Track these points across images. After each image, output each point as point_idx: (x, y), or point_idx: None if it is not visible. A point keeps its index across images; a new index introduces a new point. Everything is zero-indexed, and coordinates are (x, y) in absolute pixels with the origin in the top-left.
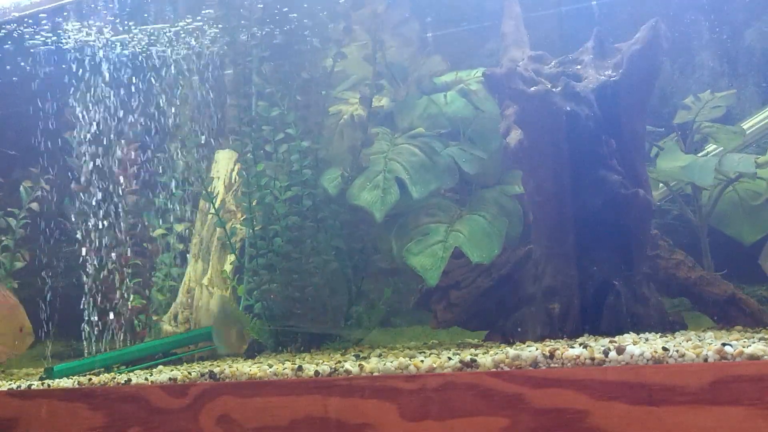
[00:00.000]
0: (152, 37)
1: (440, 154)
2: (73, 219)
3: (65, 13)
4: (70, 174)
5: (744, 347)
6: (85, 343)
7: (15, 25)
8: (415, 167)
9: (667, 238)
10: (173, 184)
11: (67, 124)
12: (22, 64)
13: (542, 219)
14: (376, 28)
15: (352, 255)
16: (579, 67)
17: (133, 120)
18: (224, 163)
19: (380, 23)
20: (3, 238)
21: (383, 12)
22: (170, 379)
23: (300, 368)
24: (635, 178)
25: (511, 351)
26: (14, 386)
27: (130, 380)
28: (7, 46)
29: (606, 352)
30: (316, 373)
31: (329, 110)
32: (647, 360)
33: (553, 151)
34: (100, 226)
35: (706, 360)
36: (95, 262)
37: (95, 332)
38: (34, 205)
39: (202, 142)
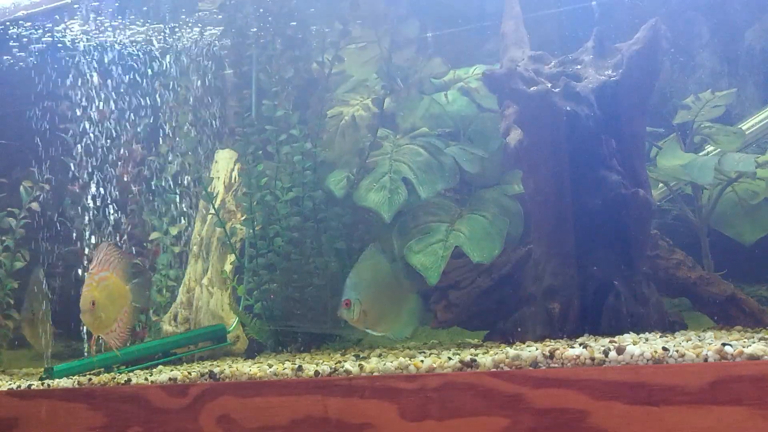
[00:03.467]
0: (152, 37)
1: (445, 154)
2: (74, 218)
3: (57, 16)
4: (69, 173)
5: (744, 347)
6: (85, 343)
7: (16, 25)
8: (421, 167)
9: (667, 238)
10: (172, 184)
11: (65, 123)
12: (21, 63)
13: (542, 219)
14: (380, 25)
15: (352, 255)
16: (579, 67)
17: (133, 119)
18: (224, 163)
19: (383, 20)
20: (3, 238)
21: (381, 10)
22: (170, 379)
23: (300, 368)
24: (635, 178)
25: (511, 351)
26: (14, 386)
27: (130, 380)
28: (7, 45)
29: (606, 352)
30: (316, 373)
31: (329, 112)
32: (647, 360)
33: (553, 151)
34: (100, 226)
35: (706, 360)
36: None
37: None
38: (35, 205)
39: (201, 142)
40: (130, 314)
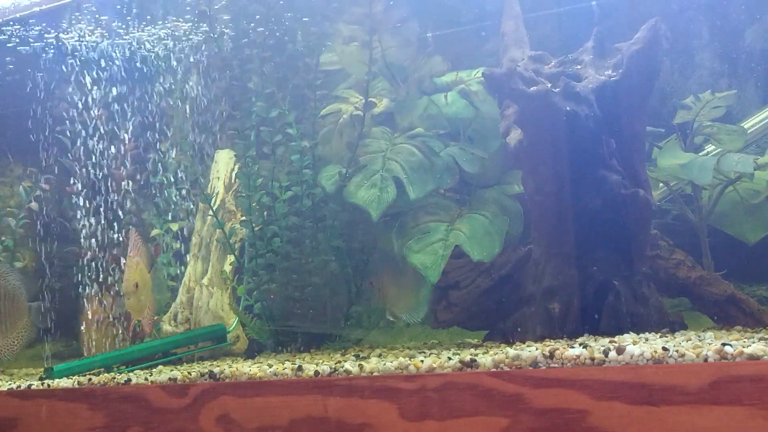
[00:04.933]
0: (148, 38)
1: (439, 155)
2: (72, 219)
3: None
4: (69, 174)
5: (744, 347)
6: (84, 342)
7: (16, 25)
8: (413, 167)
9: (667, 238)
10: (172, 184)
11: (62, 123)
12: (19, 64)
13: (542, 219)
14: (371, 18)
15: (351, 255)
16: (579, 67)
17: (132, 120)
18: (224, 163)
19: (375, 14)
20: (3, 238)
21: (381, 10)
22: (170, 379)
23: (300, 368)
24: (635, 178)
25: (511, 351)
26: (14, 386)
27: (130, 380)
28: (6, 45)
29: (606, 352)
30: (316, 373)
31: (325, 110)
32: (647, 360)
33: (553, 151)
34: (100, 226)
35: (706, 360)
36: (94, 262)
37: (94, 332)
38: (34, 205)
39: (200, 143)
40: (154, 299)
